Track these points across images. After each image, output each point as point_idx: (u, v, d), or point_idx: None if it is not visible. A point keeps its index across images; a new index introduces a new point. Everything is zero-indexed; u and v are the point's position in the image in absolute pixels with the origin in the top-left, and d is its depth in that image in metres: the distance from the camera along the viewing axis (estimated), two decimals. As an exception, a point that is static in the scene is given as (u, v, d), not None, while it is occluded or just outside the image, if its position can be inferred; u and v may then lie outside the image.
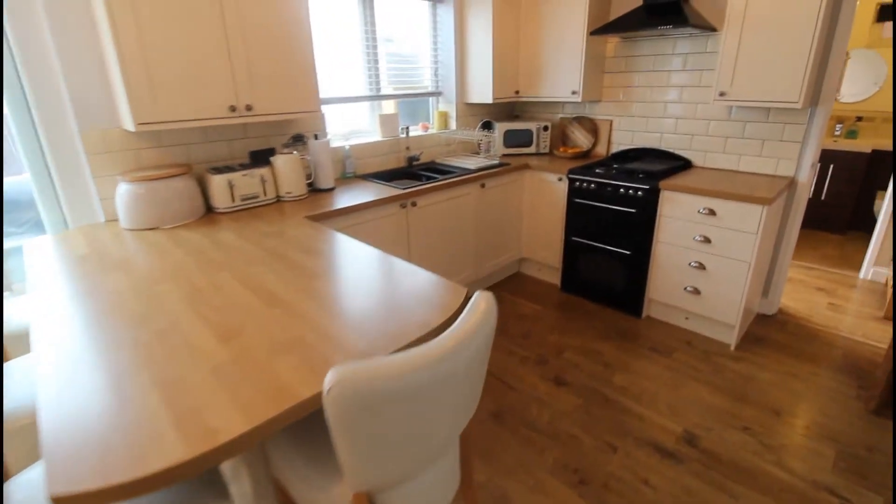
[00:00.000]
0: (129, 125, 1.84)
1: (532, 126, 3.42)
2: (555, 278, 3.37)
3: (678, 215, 2.55)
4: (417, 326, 1.12)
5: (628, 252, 2.79)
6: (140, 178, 1.94)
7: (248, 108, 2.07)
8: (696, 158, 2.94)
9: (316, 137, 2.46)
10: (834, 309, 2.96)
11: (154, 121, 1.86)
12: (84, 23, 1.85)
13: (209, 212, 2.18)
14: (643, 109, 3.08)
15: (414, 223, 2.58)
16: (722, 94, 2.47)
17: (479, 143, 3.24)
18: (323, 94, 2.72)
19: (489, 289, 3.31)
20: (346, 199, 2.33)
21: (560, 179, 3.02)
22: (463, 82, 3.38)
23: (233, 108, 2.03)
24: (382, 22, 2.99)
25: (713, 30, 2.59)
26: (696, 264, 2.54)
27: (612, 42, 3.11)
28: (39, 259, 1.63)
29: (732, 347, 2.54)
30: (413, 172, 3.02)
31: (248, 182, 2.17)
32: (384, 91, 3.10)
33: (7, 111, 1.86)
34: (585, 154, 3.39)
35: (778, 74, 2.28)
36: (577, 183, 2.91)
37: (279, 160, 2.27)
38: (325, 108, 2.79)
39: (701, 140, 2.88)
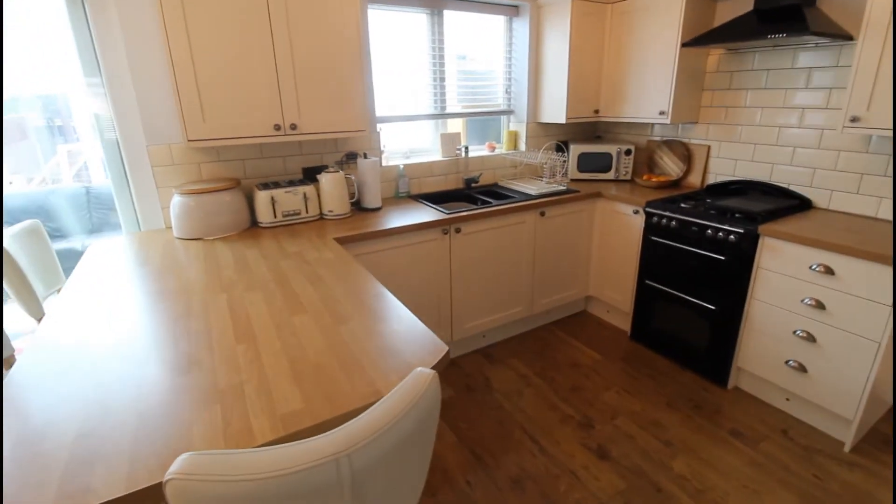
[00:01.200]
0: (184, 141, 1.95)
1: (612, 149, 3.05)
2: (625, 324, 2.94)
3: (782, 269, 2.03)
4: (360, 396, 0.95)
5: (713, 307, 2.30)
6: (190, 190, 2.04)
7: (293, 126, 2.08)
8: (817, 198, 2.35)
9: (365, 156, 2.42)
10: None
11: (203, 138, 1.94)
12: (152, 47, 2.00)
13: (254, 225, 2.23)
14: (751, 134, 2.56)
15: (458, 250, 2.40)
16: (854, 119, 1.92)
17: (544, 167, 2.96)
18: (383, 112, 2.69)
19: (546, 327, 2.99)
20: (388, 220, 2.24)
21: (636, 212, 2.63)
22: (536, 100, 3.13)
23: (277, 127, 2.05)
24: (454, 38, 2.89)
25: (848, 38, 2.05)
26: (804, 334, 2.00)
27: (715, 54, 2.64)
28: (95, 257, 1.77)
29: (847, 448, 1.94)
30: (469, 195, 2.85)
31: (291, 198, 2.19)
32: (451, 109, 2.99)
33: (94, 124, 2.08)
34: (674, 184, 2.92)
35: (942, 95, 1.70)
36: (655, 218, 2.50)
37: (324, 178, 2.26)
38: (384, 126, 2.76)
39: (826, 176, 2.29)
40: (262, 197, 2.15)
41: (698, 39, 2.31)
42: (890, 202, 2.11)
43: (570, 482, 1.82)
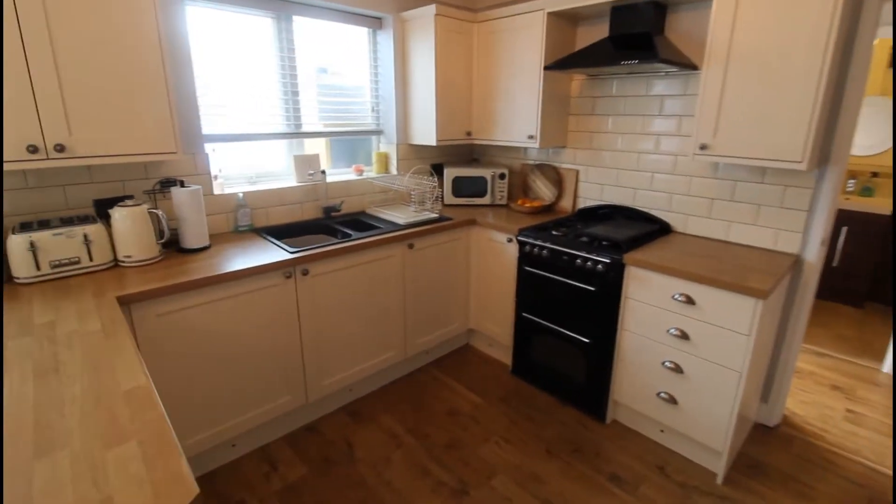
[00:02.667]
0: None
1: (487, 173, 2.89)
2: (507, 357, 2.76)
3: (648, 299, 1.96)
4: None
5: (587, 340, 2.19)
6: None
7: (59, 148, 1.55)
8: (675, 222, 2.37)
9: (182, 184, 1.94)
10: (853, 420, 2.31)
11: None
12: None
13: (10, 281, 1.63)
14: (614, 160, 2.55)
15: (307, 296, 2.01)
16: (703, 147, 1.93)
17: (412, 193, 2.70)
18: (215, 130, 2.22)
19: (425, 368, 2.70)
20: (212, 265, 1.78)
21: (510, 240, 2.47)
22: (406, 120, 2.89)
23: (33, 149, 1.51)
24: (311, 48, 2.53)
25: (693, 67, 2.08)
26: (672, 365, 1.94)
27: (578, 80, 2.61)
28: None
29: (720, 479, 1.90)
30: (328, 226, 2.48)
31: (63, 244, 1.63)
32: (310, 128, 2.61)
33: None
34: (548, 209, 2.85)
35: (773, 126, 1.74)
36: (528, 247, 2.35)
37: (117, 214, 1.74)
38: (218, 147, 2.29)
39: (681, 200, 2.32)
40: (15, 243, 1.56)
41: (558, 63, 2.22)
42: (739, 226, 2.16)
43: (437, 577, 1.51)
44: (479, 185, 2.91)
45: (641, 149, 2.42)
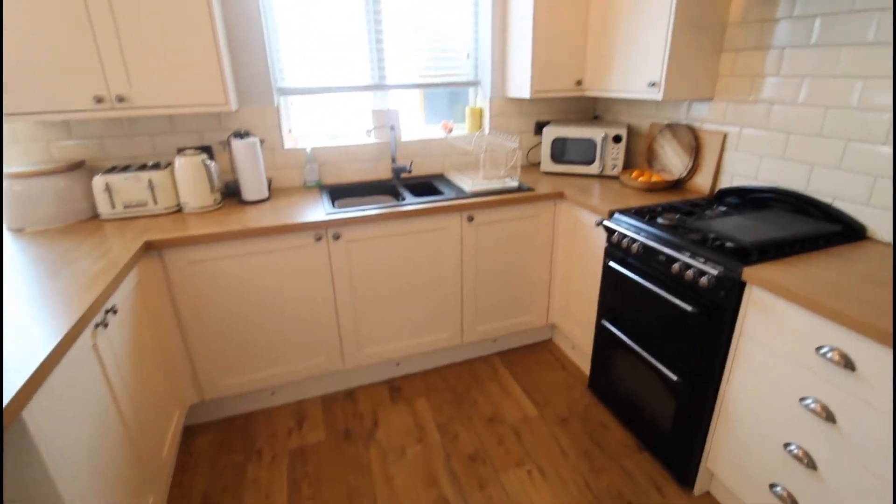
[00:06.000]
0: (-7, 115, 1.63)
1: (596, 134, 2.27)
2: (588, 365, 2.24)
3: (776, 344, 1.25)
4: None
5: (676, 378, 1.56)
6: (17, 173, 1.74)
7: (121, 99, 1.68)
8: (874, 223, 1.46)
9: (243, 136, 1.96)
10: None
11: (15, 112, 1.62)
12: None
13: (95, 216, 1.90)
14: (786, 118, 1.68)
15: (342, 261, 1.88)
16: (939, 95, 1.06)
17: (481, 156, 2.28)
18: (293, 83, 2.20)
19: (488, 358, 2.37)
20: (254, 218, 1.79)
21: (599, 224, 1.89)
22: (503, 69, 2.43)
23: (99, 100, 1.66)
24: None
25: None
26: (800, 452, 1.22)
27: (744, -3, 1.76)
28: None
29: None
30: (394, 188, 2.29)
31: (132, 186, 1.81)
32: (398, 79, 2.39)
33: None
34: (675, 185, 2.10)
35: None
36: (616, 236, 1.76)
37: (178, 163, 1.85)
38: (296, 99, 2.27)
39: (891, 189, 1.40)
40: (95, 184, 1.79)
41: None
42: None
43: None
44: (585, 150, 2.31)
45: (833, 101, 1.52)
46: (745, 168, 1.85)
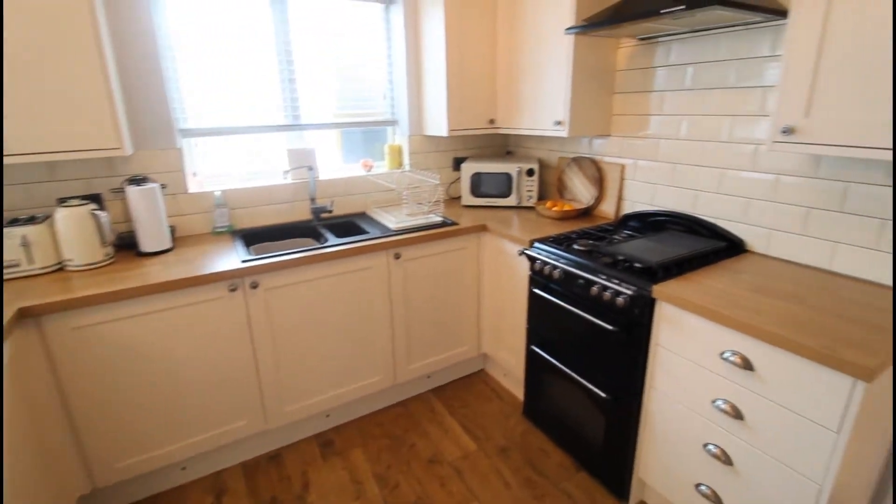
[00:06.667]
0: None
1: (511, 168, 2.40)
2: (521, 391, 2.27)
3: (687, 352, 1.37)
4: None
5: (604, 395, 1.63)
6: None
7: (-16, 144, 1.46)
8: (753, 238, 1.68)
9: (139, 182, 1.79)
10: None
11: None
12: None
13: (-45, 281, 1.60)
14: (671, 151, 1.91)
15: (261, 312, 1.75)
16: (787, 130, 1.27)
17: (403, 194, 2.31)
18: (197, 124, 2.07)
19: (423, 396, 2.32)
20: (156, 272, 1.60)
21: (521, 253, 1.97)
22: (419, 108, 2.51)
23: (-45, 145, 1.43)
24: (316, 32, 2.27)
25: (779, 13, 1.40)
26: (717, 451, 1.33)
27: (626, 47, 2.00)
28: None
29: None
30: (315, 229, 2.21)
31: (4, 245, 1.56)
32: (314, 119, 2.35)
33: None
34: (585, 213, 2.27)
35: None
36: (538, 263, 1.84)
37: (59, 215, 1.63)
38: (200, 141, 2.14)
39: (762, 208, 1.63)
40: (-50, 243, 1.51)
41: (588, 24, 1.67)
42: (850, 250, 1.44)
43: None
44: (502, 183, 2.43)
45: (708, 136, 1.76)
46: (642, 195, 2.06)
